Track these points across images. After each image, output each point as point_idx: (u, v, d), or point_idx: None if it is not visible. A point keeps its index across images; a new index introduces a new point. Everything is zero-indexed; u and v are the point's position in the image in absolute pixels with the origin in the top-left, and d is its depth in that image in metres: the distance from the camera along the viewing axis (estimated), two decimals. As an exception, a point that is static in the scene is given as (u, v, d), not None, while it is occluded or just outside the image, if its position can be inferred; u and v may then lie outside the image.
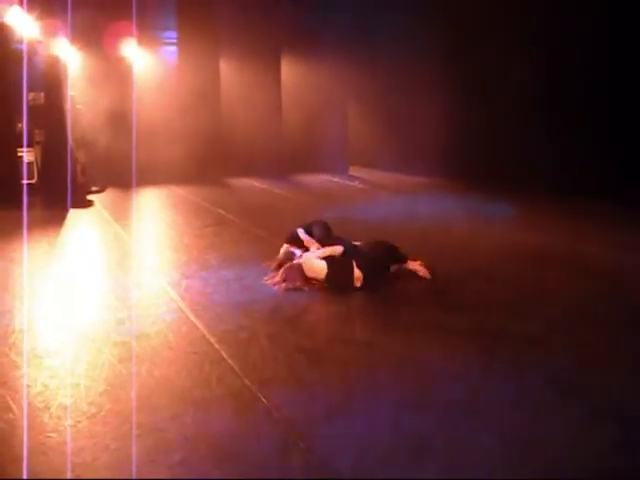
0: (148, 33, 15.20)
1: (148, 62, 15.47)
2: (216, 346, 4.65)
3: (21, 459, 3.17)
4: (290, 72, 16.83)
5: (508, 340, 4.76)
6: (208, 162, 15.25)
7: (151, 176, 14.13)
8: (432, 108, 14.56)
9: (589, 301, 5.73)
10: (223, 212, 10.61)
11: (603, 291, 6.06)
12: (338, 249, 6.14)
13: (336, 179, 15.92)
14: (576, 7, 11.05)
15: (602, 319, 5.25)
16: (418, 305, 5.69)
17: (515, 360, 4.39)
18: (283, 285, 6.05)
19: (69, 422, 3.54)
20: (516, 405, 3.75)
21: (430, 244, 7.93)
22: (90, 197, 12.45)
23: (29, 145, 12.46)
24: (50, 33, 11.59)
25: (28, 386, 3.98)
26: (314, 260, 6.10)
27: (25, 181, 11.52)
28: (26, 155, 12.29)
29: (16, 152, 12.02)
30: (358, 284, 5.95)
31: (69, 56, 13.01)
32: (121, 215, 10.73)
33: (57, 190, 11.22)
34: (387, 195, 13.30)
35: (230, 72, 16.20)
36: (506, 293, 6.00)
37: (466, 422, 3.55)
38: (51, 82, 12.11)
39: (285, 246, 6.84)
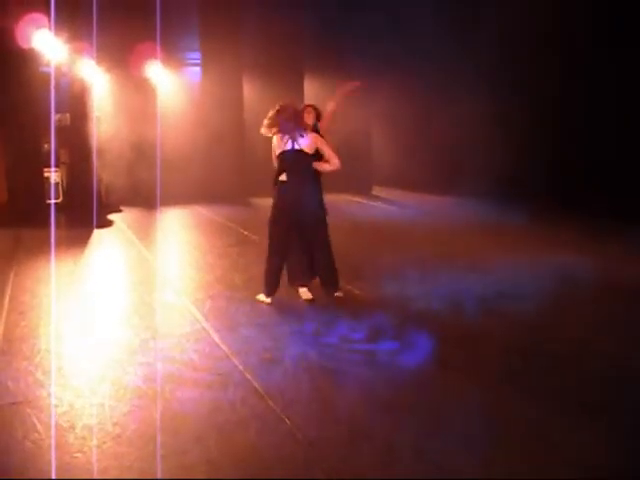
0: (172, 54, 15.39)
1: (172, 83, 15.66)
2: (240, 367, 4.65)
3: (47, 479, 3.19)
4: (314, 91, 16.87)
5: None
6: (232, 182, 15.35)
7: (175, 196, 14.24)
8: (459, 127, 14.47)
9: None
10: (247, 232, 10.64)
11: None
12: None
13: (358, 199, 15.91)
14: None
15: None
16: (437, 319, 5.66)
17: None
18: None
19: (94, 442, 3.56)
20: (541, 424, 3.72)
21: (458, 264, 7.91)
22: (110, 217, 12.55)
23: (55, 165, 12.64)
24: (76, 55, 11.79)
25: (55, 406, 4.01)
26: None
27: (52, 201, 11.67)
28: (53, 175, 12.46)
29: (43, 172, 12.21)
30: None
31: (95, 77, 13.21)
32: (145, 235, 10.80)
33: (82, 210, 11.36)
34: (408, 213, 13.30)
35: (253, 91, 16.29)
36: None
37: (490, 445, 3.52)
38: (77, 103, 12.32)
39: None
